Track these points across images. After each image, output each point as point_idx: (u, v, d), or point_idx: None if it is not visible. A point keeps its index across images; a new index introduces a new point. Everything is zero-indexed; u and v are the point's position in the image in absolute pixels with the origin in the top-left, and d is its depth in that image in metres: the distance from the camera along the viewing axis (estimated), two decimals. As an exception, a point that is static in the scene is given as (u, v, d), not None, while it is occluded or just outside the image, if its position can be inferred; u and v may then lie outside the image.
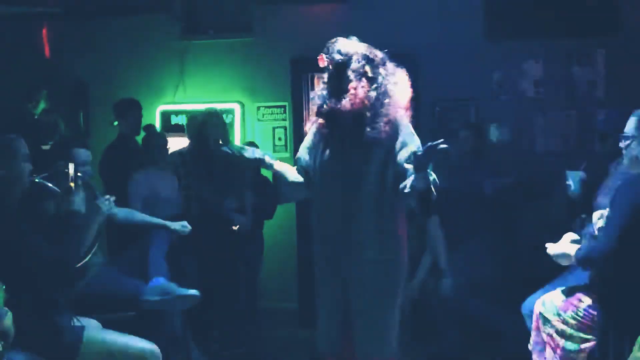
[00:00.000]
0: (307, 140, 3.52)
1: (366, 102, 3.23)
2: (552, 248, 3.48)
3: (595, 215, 3.38)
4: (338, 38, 3.35)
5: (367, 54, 3.30)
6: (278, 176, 3.51)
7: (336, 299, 3.37)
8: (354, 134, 3.28)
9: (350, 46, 3.31)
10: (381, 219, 3.28)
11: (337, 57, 3.27)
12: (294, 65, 6.43)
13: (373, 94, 3.24)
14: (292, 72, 6.47)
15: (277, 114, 6.57)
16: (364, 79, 3.24)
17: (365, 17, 6.10)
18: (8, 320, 2.36)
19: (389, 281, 3.33)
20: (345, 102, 3.22)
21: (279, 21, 6.46)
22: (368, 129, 3.23)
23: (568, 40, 5.97)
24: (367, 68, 3.26)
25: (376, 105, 3.24)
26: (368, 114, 3.24)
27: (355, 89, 3.21)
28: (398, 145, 3.25)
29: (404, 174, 3.17)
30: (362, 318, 3.31)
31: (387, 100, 3.25)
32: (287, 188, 3.51)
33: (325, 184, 3.38)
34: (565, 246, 3.44)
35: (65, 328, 2.96)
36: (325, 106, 3.30)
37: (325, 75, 3.35)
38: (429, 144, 2.97)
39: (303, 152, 3.51)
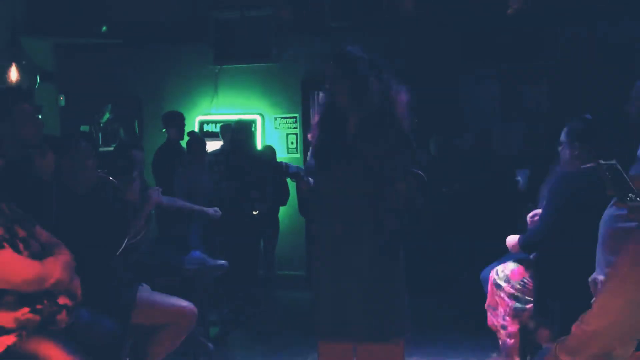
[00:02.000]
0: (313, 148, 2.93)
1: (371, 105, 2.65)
2: (508, 240, 3.46)
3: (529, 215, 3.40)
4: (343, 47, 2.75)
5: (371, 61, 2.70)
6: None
7: (338, 283, 2.68)
8: (358, 138, 2.68)
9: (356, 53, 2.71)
10: (380, 215, 2.65)
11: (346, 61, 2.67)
12: (303, 84, 6.45)
13: (376, 98, 2.65)
14: (302, 89, 6.48)
15: (290, 123, 6.60)
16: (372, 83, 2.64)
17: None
18: (77, 282, 2.37)
19: (392, 264, 2.69)
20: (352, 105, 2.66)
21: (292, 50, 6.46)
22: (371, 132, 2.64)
23: (518, 65, 5.94)
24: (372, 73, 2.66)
25: (380, 110, 2.66)
26: (372, 118, 2.65)
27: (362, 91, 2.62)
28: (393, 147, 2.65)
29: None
30: (368, 301, 2.62)
31: (388, 105, 2.67)
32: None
33: (330, 186, 2.73)
34: (513, 237, 3.43)
35: (123, 290, 2.96)
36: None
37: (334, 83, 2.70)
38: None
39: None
